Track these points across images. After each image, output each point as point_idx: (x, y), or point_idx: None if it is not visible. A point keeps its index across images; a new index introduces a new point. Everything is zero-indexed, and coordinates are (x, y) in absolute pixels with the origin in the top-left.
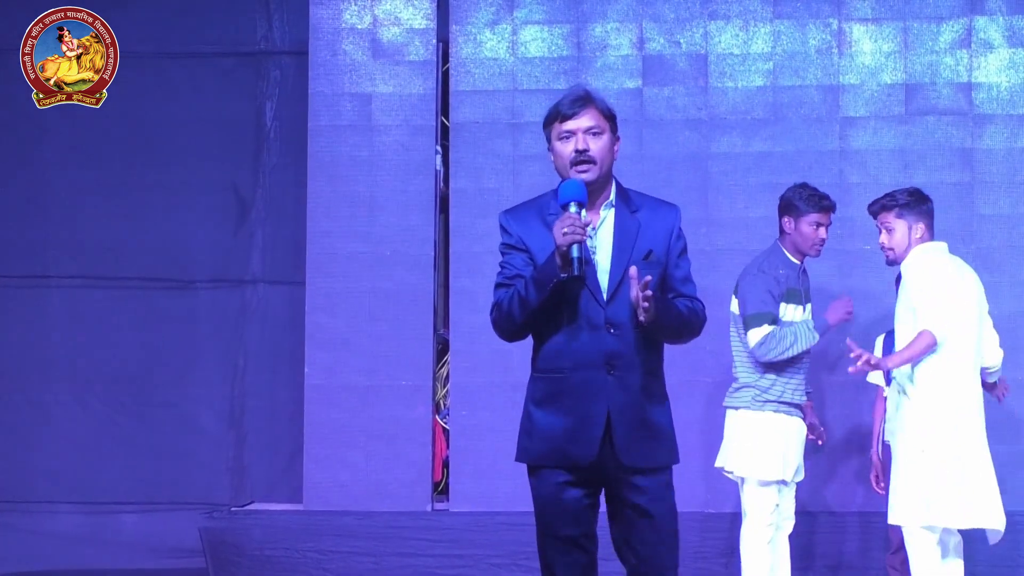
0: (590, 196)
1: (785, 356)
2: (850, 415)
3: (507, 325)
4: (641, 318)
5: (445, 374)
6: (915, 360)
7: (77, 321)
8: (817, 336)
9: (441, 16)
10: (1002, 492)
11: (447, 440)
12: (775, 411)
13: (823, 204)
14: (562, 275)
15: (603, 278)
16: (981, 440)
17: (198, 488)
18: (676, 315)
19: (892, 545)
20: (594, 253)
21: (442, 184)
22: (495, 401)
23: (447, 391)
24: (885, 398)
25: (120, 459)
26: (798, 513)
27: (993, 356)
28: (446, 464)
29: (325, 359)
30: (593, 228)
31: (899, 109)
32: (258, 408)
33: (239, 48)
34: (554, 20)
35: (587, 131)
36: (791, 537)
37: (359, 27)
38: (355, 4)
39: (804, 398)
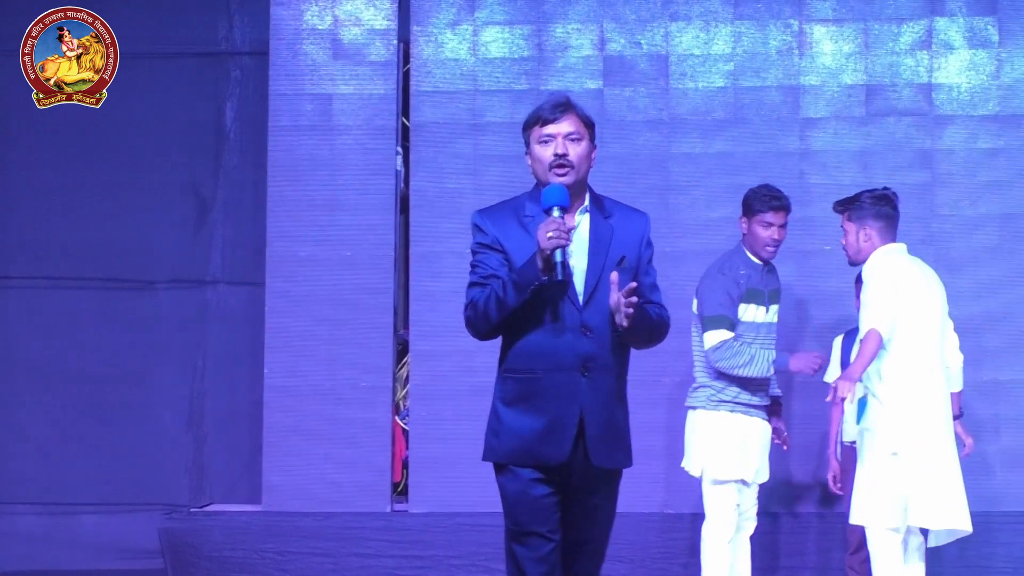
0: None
1: (734, 372)
2: (809, 416)
3: (482, 325)
4: (622, 323)
5: (405, 375)
6: (870, 360)
7: (36, 322)
8: (772, 372)
9: (402, 17)
10: (970, 493)
11: (407, 441)
12: (731, 411)
13: (773, 204)
14: (543, 279)
15: (579, 281)
16: (949, 441)
17: (157, 489)
18: (648, 321)
19: (851, 545)
20: (570, 257)
21: (403, 185)
22: (454, 401)
23: (407, 392)
24: (843, 399)
25: (79, 460)
26: (759, 513)
27: (952, 359)
28: (405, 465)
29: (285, 360)
30: (572, 230)
31: (859, 110)
32: (218, 409)
33: (200, 48)
34: (515, 21)
35: (567, 136)
36: (752, 538)
37: (320, 27)
38: (316, 4)
39: (767, 400)
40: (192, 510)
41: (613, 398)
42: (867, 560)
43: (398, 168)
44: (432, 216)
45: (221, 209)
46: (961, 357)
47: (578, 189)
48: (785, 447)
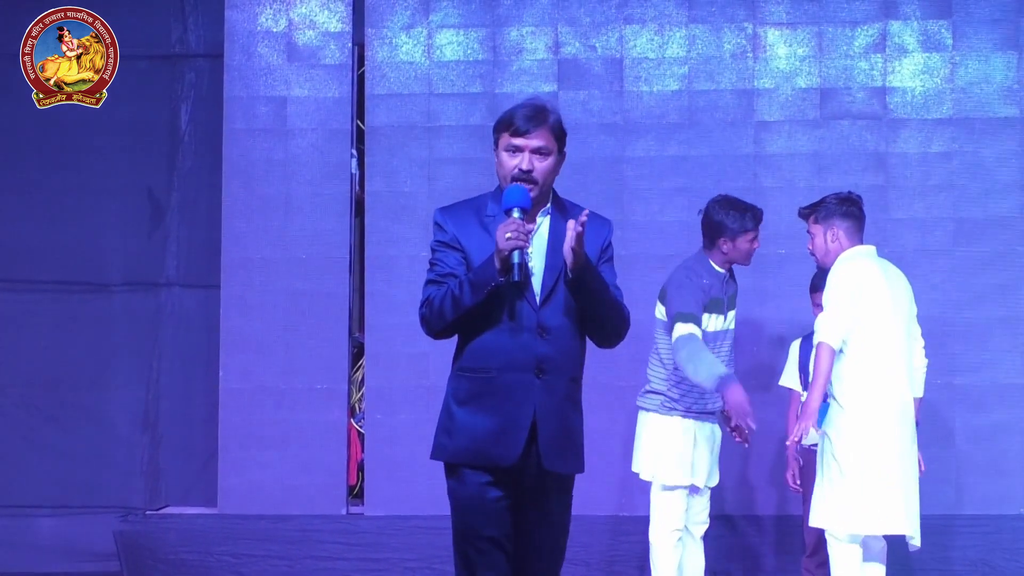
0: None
1: (683, 367)
2: (765, 420)
3: (437, 323)
4: (571, 247)
5: (360, 378)
6: (825, 381)
7: None
8: (712, 387)
9: (356, 20)
10: (922, 497)
11: (362, 444)
12: (683, 416)
13: (758, 217)
14: (500, 279)
15: (536, 282)
16: (909, 448)
17: (113, 491)
18: (604, 287)
19: (808, 548)
20: (529, 259)
21: (357, 187)
22: (410, 404)
23: (362, 395)
24: (802, 403)
25: (34, 462)
26: (716, 516)
27: (917, 363)
28: (361, 468)
29: (240, 362)
30: (532, 233)
31: (814, 113)
32: (173, 411)
33: (154, 51)
34: (469, 24)
35: (535, 151)
36: (708, 539)
37: (274, 30)
38: (270, 7)
39: (720, 403)
40: (148, 513)
41: (567, 402)
42: (824, 563)
43: (353, 171)
44: (387, 219)
45: (176, 212)
46: (926, 362)
47: (541, 197)
48: (746, 444)
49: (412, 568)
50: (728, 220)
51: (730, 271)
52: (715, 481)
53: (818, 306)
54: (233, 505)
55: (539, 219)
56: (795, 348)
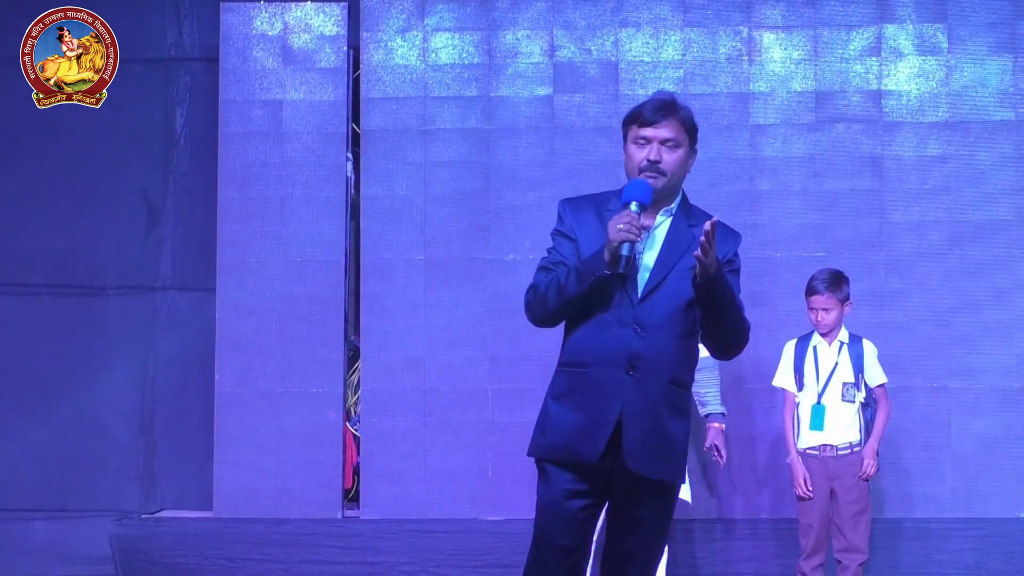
0: (654, 200)
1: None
2: (759, 419)
3: (539, 310)
4: (697, 255)
5: (356, 381)
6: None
7: None
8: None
9: (352, 23)
10: (916, 500)
11: (358, 447)
12: None
13: None
14: (606, 271)
15: (642, 278)
16: None
17: (108, 495)
18: (731, 298)
19: (804, 551)
20: (641, 254)
21: (353, 191)
22: (406, 408)
23: (358, 398)
24: (796, 403)
25: (29, 466)
26: (712, 519)
27: None
28: (356, 471)
29: (236, 366)
30: (648, 231)
31: (809, 117)
32: (168, 415)
33: (149, 54)
34: (465, 27)
35: (664, 142)
36: (703, 542)
37: (270, 34)
38: (266, 11)
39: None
40: (143, 516)
41: (663, 404)
42: (820, 566)
43: (348, 174)
44: (382, 222)
45: (171, 215)
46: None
47: (667, 192)
48: (722, 463)
49: (408, 572)
50: None
51: None
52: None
53: (813, 310)
54: (229, 509)
55: (660, 218)
56: (789, 349)
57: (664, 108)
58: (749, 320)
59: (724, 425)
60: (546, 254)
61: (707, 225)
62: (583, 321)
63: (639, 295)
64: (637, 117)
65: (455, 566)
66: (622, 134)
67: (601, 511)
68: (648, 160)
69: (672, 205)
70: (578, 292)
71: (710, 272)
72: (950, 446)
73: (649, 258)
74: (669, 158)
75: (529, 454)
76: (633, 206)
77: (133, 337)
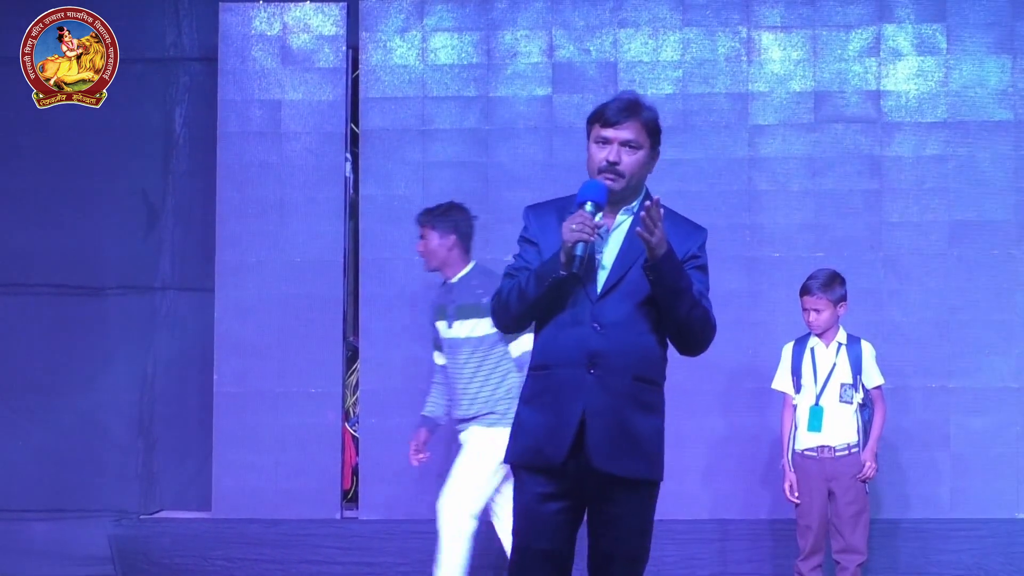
0: (613, 200)
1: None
2: (758, 422)
3: (503, 314)
4: (640, 231)
5: (355, 381)
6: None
7: None
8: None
9: (351, 23)
10: (915, 500)
11: (356, 447)
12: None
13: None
14: (562, 272)
15: (601, 276)
16: None
17: (107, 495)
18: (685, 285)
19: (802, 552)
20: (600, 253)
21: (352, 191)
22: (404, 408)
23: (356, 398)
24: (794, 406)
25: (29, 466)
26: (710, 519)
27: None
28: (355, 472)
29: (235, 366)
30: (607, 230)
31: (808, 117)
32: (167, 415)
33: (148, 54)
34: (464, 27)
35: (624, 143)
36: (701, 542)
37: (269, 34)
38: (265, 11)
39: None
40: (142, 517)
41: (628, 401)
42: (818, 566)
43: (347, 174)
44: (381, 222)
45: (170, 215)
46: None
47: (628, 192)
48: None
49: (406, 572)
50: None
51: (453, 277)
52: None
53: (806, 310)
54: (227, 509)
55: (621, 216)
56: (788, 351)
57: (627, 109)
58: (748, 320)
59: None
60: (512, 261)
61: (648, 202)
62: (547, 323)
63: (598, 293)
64: (600, 117)
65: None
66: (586, 132)
67: (581, 513)
68: (607, 161)
69: (633, 204)
70: (537, 294)
71: (657, 254)
72: (949, 446)
73: (609, 257)
74: (629, 160)
75: (504, 461)
76: (588, 206)
77: (132, 337)
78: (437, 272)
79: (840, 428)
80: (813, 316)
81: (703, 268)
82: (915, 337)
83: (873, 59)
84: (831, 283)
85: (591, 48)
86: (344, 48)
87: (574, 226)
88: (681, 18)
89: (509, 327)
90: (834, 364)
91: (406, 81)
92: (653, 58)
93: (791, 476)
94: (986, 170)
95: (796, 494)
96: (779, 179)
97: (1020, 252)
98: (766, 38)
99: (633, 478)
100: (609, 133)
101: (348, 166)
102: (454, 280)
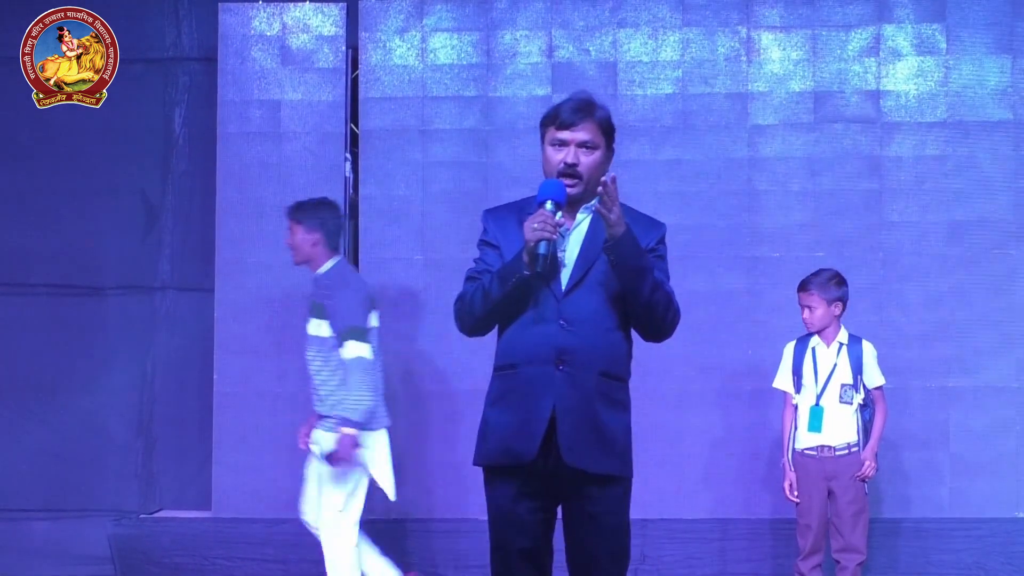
0: (572, 200)
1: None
2: (759, 421)
3: (467, 318)
4: (600, 207)
5: None
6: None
7: None
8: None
9: (350, 23)
10: (915, 500)
11: None
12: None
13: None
14: (525, 272)
15: (564, 274)
16: None
17: (107, 495)
18: (647, 267)
19: (802, 551)
20: (563, 251)
21: (351, 191)
22: (404, 408)
23: None
24: (795, 405)
25: (28, 466)
26: (711, 519)
27: None
28: None
29: (234, 366)
30: (567, 229)
31: (808, 117)
32: (167, 415)
33: (148, 54)
34: (463, 27)
35: (581, 145)
36: (701, 541)
37: (268, 34)
38: (264, 11)
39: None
40: (142, 516)
41: (596, 397)
42: (818, 566)
43: (347, 174)
44: (381, 222)
45: (170, 215)
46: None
47: (586, 193)
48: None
49: (406, 570)
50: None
51: (318, 274)
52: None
53: (801, 307)
54: (227, 508)
55: (581, 215)
56: (789, 350)
57: (582, 110)
58: (748, 320)
59: (356, 432)
60: (472, 264)
61: (605, 178)
62: (511, 323)
63: (563, 291)
64: (555, 119)
65: (453, 566)
66: (540, 134)
67: (555, 512)
68: (565, 163)
69: (592, 203)
70: (502, 295)
71: (617, 232)
72: (949, 446)
73: (571, 254)
74: (587, 160)
75: (474, 463)
76: (548, 205)
77: (132, 337)
78: (305, 266)
79: (840, 428)
80: (807, 313)
81: (662, 258)
82: (915, 336)
83: (873, 59)
84: (827, 282)
85: (591, 48)
86: (344, 48)
87: (536, 225)
88: (681, 18)
89: (475, 330)
90: (835, 364)
91: (406, 81)
92: (653, 58)
93: (791, 475)
94: (986, 170)
95: (795, 493)
96: (779, 179)
97: (1020, 252)
98: (766, 38)
99: (605, 475)
100: (565, 135)
101: (348, 166)
102: (315, 276)
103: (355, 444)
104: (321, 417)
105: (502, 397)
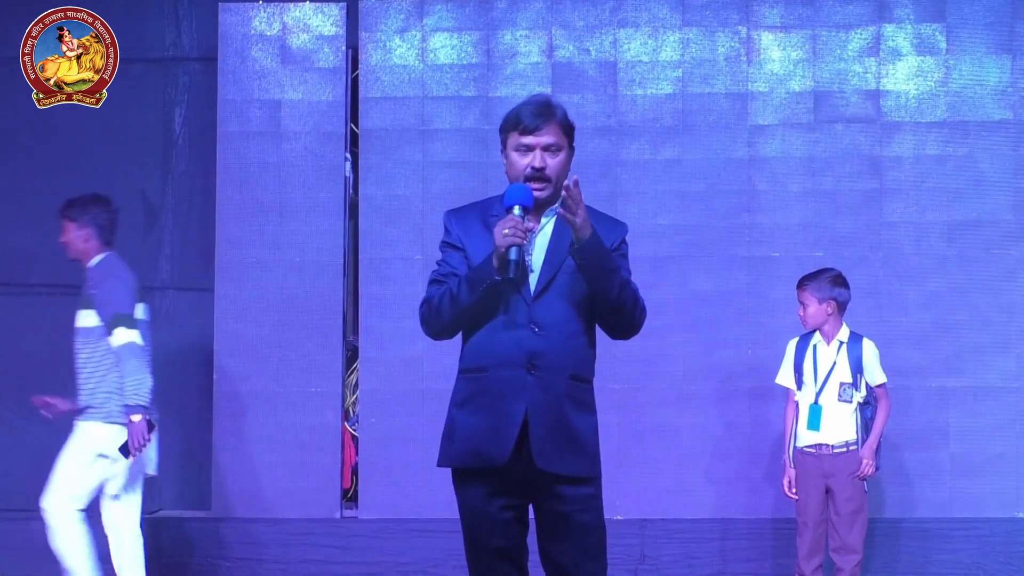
0: (538, 203)
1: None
2: (760, 417)
3: (435, 322)
4: (564, 212)
5: (354, 381)
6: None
7: None
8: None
9: (350, 23)
10: (915, 500)
11: (356, 447)
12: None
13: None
14: (496, 277)
15: (532, 279)
16: None
17: None
18: (613, 267)
19: (803, 551)
20: (529, 256)
21: (351, 190)
22: (404, 408)
23: (356, 398)
24: (797, 403)
25: (29, 466)
26: (711, 518)
27: None
28: (355, 471)
29: (234, 366)
30: (533, 232)
31: (807, 117)
32: (167, 415)
33: (148, 54)
34: (463, 27)
35: (546, 148)
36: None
37: (268, 34)
38: (264, 11)
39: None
40: (142, 516)
41: (566, 400)
42: (820, 566)
43: (347, 174)
44: (381, 222)
45: (170, 215)
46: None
47: (554, 194)
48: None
49: (406, 572)
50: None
51: (88, 267)
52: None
53: (799, 303)
54: (227, 508)
55: (545, 218)
56: (791, 347)
57: (543, 113)
58: (748, 320)
59: (141, 418)
60: (436, 267)
61: (567, 181)
62: (480, 326)
63: (532, 295)
64: (517, 124)
65: (453, 566)
66: (500, 140)
67: (527, 511)
68: (532, 168)
69: (556, 205)
70: (471, 300)
71: (583, 235)
72: (949, 446)
73: (537, 259)
74: (553, 163)
75: (439, 464)
76: (516, 210)
77: None
78: (78, 262)
79: (838, 427)
80: (801, 310)
81: (625, 257)
82: (915, 336)
83: (872, 59)
84: (823, 281)
85: (591, 48)
86: (344, 48)
87: (506, 231)
88: (681, 18)
89: (441, 335)
90: (834, 363)
91: (406, 81)
92: (653, 58)
93: (791, 472)
94: (985, 170)
95: (794, 490)
96: (779, 179)
97: (1019, 252)
98: (766, 38)
99: (575, 476)
100: (529, 140)
101: (348, 166)
102: (86, 269)
103: (148, 428)
104: (84, 409)
105: (470, 399)
